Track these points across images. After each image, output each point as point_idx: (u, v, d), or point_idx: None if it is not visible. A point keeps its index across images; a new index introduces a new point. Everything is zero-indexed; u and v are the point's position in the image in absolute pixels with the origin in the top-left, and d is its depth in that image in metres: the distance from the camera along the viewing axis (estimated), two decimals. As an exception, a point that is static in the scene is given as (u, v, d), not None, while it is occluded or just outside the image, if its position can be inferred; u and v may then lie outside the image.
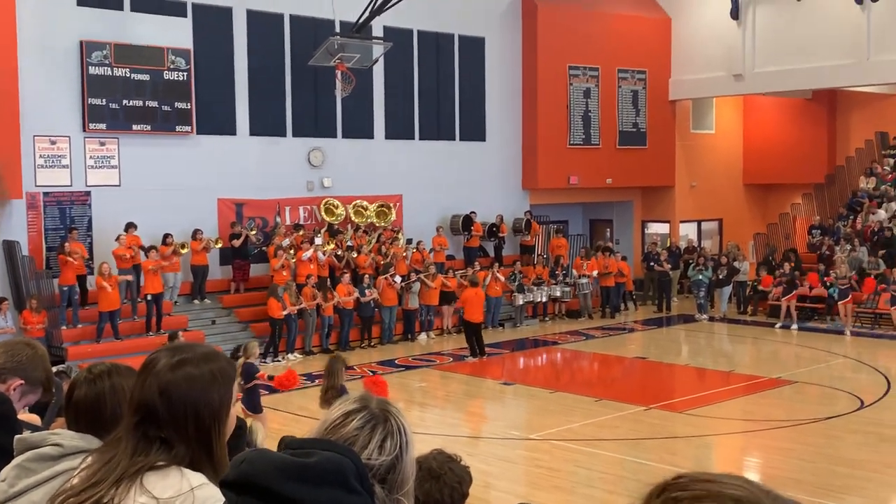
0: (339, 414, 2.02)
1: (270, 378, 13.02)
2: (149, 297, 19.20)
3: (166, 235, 20.00)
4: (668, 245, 27.78)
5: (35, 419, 5.17)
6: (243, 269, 21.39)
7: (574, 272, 25.67)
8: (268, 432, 11.66)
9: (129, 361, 2.94)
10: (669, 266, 26.47)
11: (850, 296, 22.54)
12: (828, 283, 23.34)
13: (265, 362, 19.45)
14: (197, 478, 2.06)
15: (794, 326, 23.19)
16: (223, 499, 1.86)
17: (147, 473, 2.05)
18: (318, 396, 10.82)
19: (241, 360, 12.27)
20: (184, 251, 20.17)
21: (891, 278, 22.51)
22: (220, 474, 1.93)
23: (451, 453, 3.49)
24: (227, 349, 17.54)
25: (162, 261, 19.46)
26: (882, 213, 25.71)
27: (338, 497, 1.79)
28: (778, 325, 23.37)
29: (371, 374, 18.47)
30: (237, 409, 2.39)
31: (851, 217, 26.49)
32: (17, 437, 2.61)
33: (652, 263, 26.56)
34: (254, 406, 12.23)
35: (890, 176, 27.42)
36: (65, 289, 18.68)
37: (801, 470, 12.13)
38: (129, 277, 19.08)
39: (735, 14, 26.93)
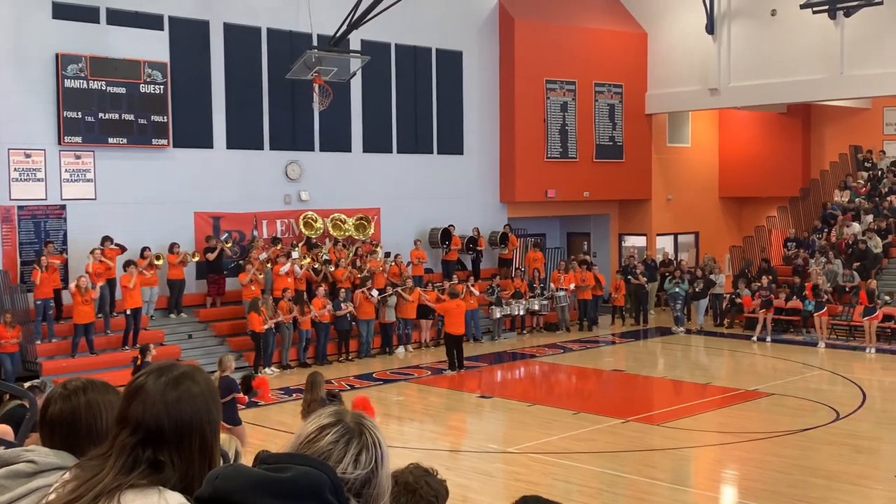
0: (313, 428, 2.01)
1: (252, 396, 12.84)
2: (128, 312, 19.08)
3: (144, 249, 19.88)
4: (645, 258, 27.89)
5: (8, 431, 5.12)
6: (218, 284, 21.27)
7: (552, 285, 25.72)
8: (247, 447, 11.63)
9: (105, 376, 2.92)
10: (646, 279, 26.58)
11: (825, 308, 22.71)
12: (805, 296, 23.51)
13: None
14: (175, 497, 2.05)
15: (769, 339, 23.34)
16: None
17: (125, 491, 2.04)
18: (300, 410, 10.78)
19: (217, 374, 12.21)
20: (159, 262, 20.05)
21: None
22: None
23: (428, 467, 3.47)
24: (205, 364, 17.45)
25: (142, 273, 19.31)
26: (856, 227, 25.93)
27: (313, 511, 1.79)
28: (754, 338, 23.50)
29: (349, 388, 18.43)
30: None
31: (826, 230, 26.70)
32: (-11, 453, 2.58)
33: (629, 276, 26.66)
34: (232, 419, 12.17)
35: (864, 189, 27.68)
36: (39, 302, 18.53)
37: (778, 482, 12.17)
38: (94, 293, 18.74)
39: (710, 29, 27.15)
